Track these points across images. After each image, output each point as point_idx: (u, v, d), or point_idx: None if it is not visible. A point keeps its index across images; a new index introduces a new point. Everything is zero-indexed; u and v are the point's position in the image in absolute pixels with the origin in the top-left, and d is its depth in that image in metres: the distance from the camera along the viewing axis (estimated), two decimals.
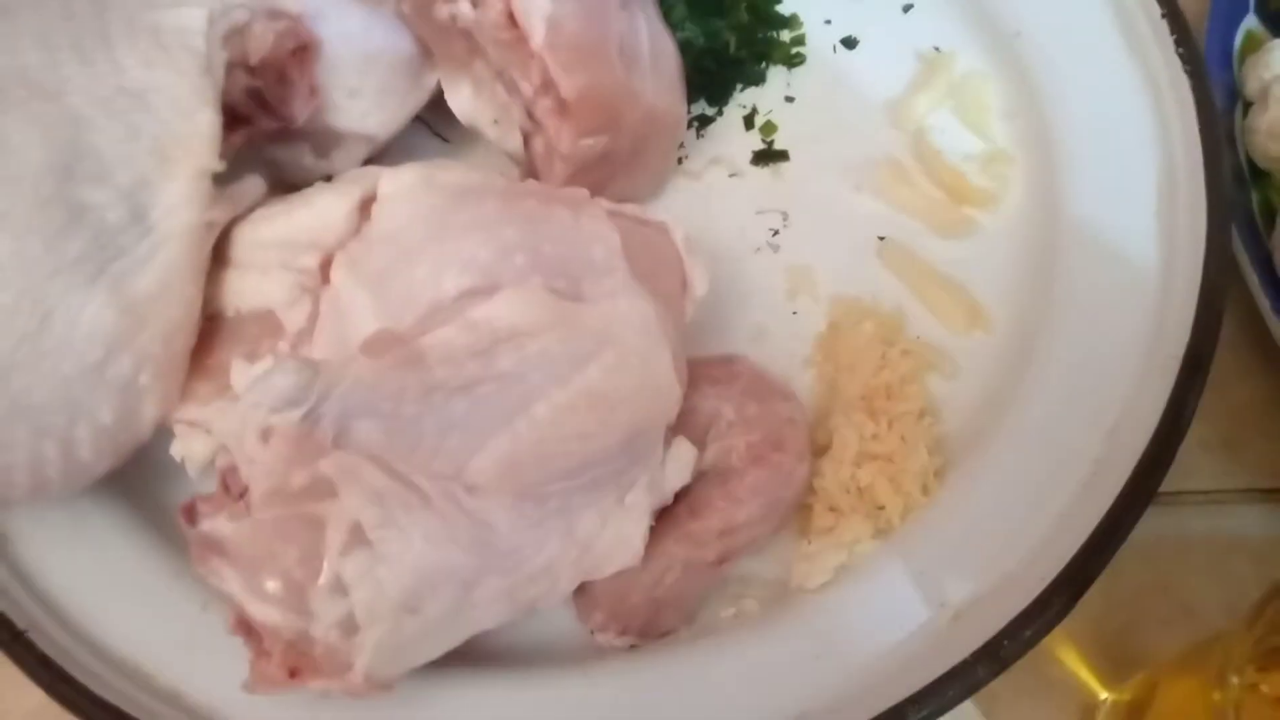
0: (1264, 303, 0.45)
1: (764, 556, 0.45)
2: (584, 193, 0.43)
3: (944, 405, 0.48)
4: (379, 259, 0.39)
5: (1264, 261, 0.46)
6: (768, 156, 0.55)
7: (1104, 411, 0.44)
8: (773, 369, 0.49)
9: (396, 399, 0.36)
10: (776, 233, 0.53)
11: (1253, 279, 0.46)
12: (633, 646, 0.43)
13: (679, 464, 0.42)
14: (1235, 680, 0.33)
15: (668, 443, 0.42)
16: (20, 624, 0.39)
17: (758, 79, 0.56)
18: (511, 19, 0.42)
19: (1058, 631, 0.43)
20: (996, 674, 0.39)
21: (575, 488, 0.39)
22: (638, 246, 0.43)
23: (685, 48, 0.53)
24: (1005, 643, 0.39)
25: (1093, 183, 0.50)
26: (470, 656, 0.42)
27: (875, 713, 0.38)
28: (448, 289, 0.38)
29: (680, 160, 0.54)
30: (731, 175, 0.54)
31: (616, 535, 0.41)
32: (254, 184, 0.42)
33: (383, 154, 0.50)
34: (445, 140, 0.53)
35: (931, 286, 0.51)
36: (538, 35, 0.41)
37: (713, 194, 0.54)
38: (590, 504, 0.40)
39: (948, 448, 0.47)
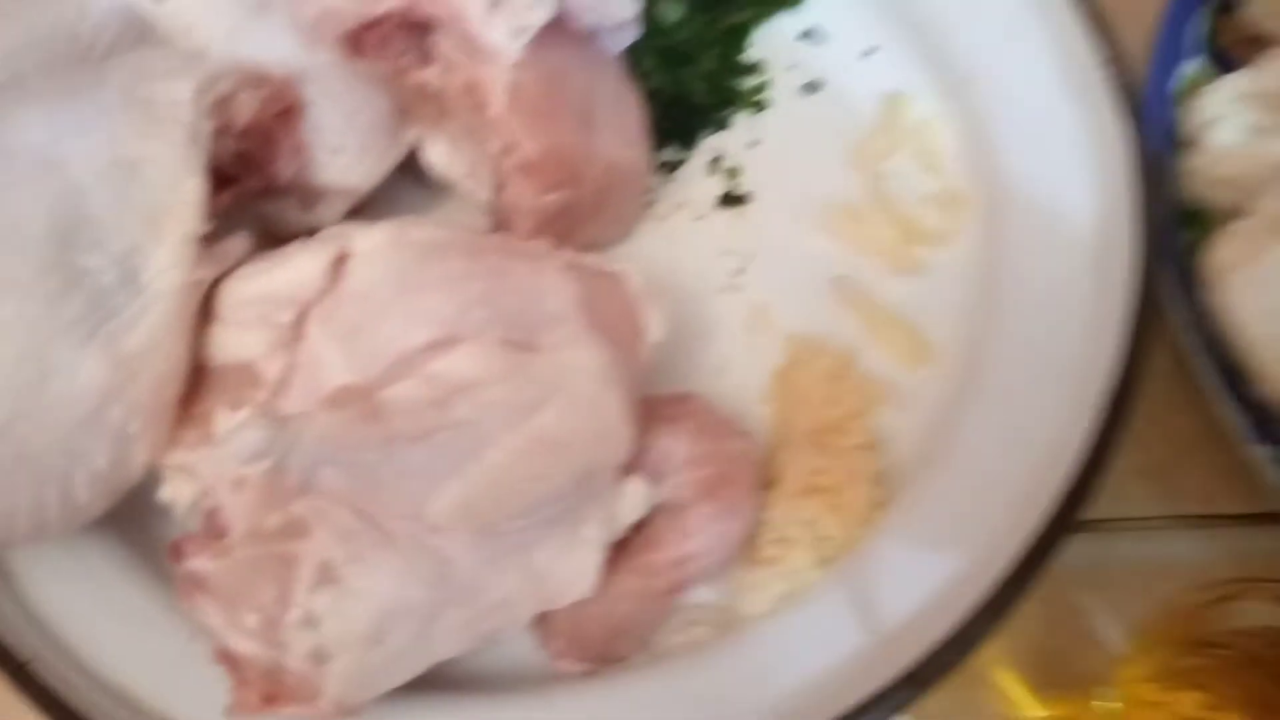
0: (1190, 347, 0.48)
1: (714, 585, 0.48)
2: (544, 246, 0.46)
3: (890, 438, 0.51)
4: (350, 314, 0.43)
5: (1193, 309, 0.48)
6: (731, 199, 0.58)
7: (1035, 445, 0.46)
8: (731, 403, 0.52)
9: (357, 449, 0.39)
10: (738, 273, 0.56)
11: (1180, 326, 0.49)
12: (590, 671, 0.46)
13: (632, 500, 0.45)
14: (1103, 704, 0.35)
15: (621, 480, 0.45)
16: (24, 655, 0.43)
17: (723, 124, 0.59)
18: (473, 87, 0.45)
19: (994, 653, 0.46)
20: (919, 695, 0.42)
21: (530, 525, 0.43)
22: (596, 295, 0.46)
23: (654, 96, 0.56)
24: (929, 666, 0.42)
25: (1035, 225, 0.52)
26: (435, 682, 0.45)
27: None
28: (412, 343, 0.42)
29: (649, 204, 0.57)
30: (697, 218, 0.57)
31: (572, 568, 0.44)
32: (239, 242, 0.45)
33: (367, 203, 0.53)
34: (426, 188, 0.56)
35: (883, 324, 0.54)
36: (498, 103, 0.45)
37: (678, 236, 0.57)
38: (546, 539, 0.44)
39: (891, 479, 0.50)
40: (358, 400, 0.40)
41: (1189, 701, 0.38)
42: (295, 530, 0.39)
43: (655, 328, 0.47)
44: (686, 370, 0.53)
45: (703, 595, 0.49)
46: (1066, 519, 0.44)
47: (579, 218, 0.50)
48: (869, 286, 0.55)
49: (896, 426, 0.52)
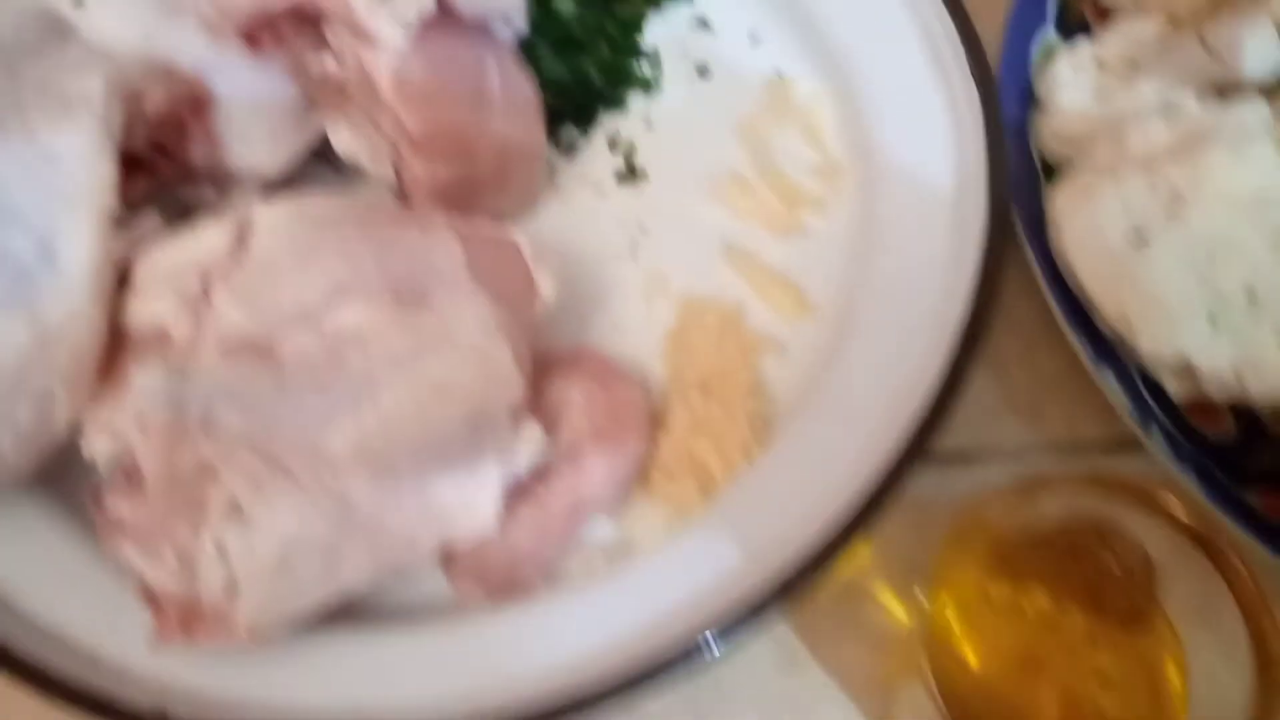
0: (1045, 287, 0.52)
1: (610, 521, 0.52)
2: (433, 213, 0.51)
3: (773, 385, 0.56)
4: (252, 280, 0.47)
5: (1046, 253, 0.53)
6: (629, 175, 0.62)
7: (897, 384, 0.51)
8: (627, 361, 0.56)
9: (255, 393, 0.43)
10: (635, 242, 0.60)
11: (1037, 270, 0.53)
12: (494, 600, 0.50)
13: (528, 443, 0.49)
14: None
15: (518, 424, 0.49)
16: None
17: (619, 105, 0.63)
18: (365, 74, 0.49)
19: (875, 571, 0.50)
20: (786, 605, 0.46)
21: (427, 464, 0.46)
22: (485, 258, 0.50)
23: (551, 83, 0.61)
24: (798, 577, 0.46)
25: (904, 189, 0.57)
26: (350, 613, 0.50)
27: (685, 640, 0.45)
28: (307, 303, 0.46)
29: (551, 180, 0.61)
30: (597, 194, 0.62)
31: (472, 506, 0.48)
32: (150, 220, 0.49)
33: (285, 186, 0.58)
34: (340, 171, 0.60)
35: (768, 283, 0.58)
36: (386, 87, 0.49)
37: (580, 210, 0.61)
38: (445, 479, 0.47)
39: (772, 420, 0.54)
40: (255, 350, 0.43)
41: (1003, 588, 0.42)
42: (203, 473, 0.43)
43: (547, 287, 0.51)
44: (585, 332, 0.57)
45: (600, 530, 0.52)
46: (919, 446, 0.48)
47: (478, 191, 0.55)
48: (756, 250, 0.59)
49: (778, 375, 0.56)
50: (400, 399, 0.44)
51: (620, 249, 0.60)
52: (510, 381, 0.47)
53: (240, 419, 0.43)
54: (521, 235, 0.52)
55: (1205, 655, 0.40)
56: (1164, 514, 0.38)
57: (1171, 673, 0.40)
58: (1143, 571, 0.40)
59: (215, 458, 0.43)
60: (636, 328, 0.58)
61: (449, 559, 0.50)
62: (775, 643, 0.52)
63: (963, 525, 0.41)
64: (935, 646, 0.44)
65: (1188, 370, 0.47)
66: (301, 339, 0.44)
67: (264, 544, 0.43)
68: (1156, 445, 0.47)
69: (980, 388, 0.57)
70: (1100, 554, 0.41)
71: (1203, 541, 0.37)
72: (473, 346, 0.46)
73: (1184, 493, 0.41)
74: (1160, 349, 0.46)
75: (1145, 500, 0.38)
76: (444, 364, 0.45)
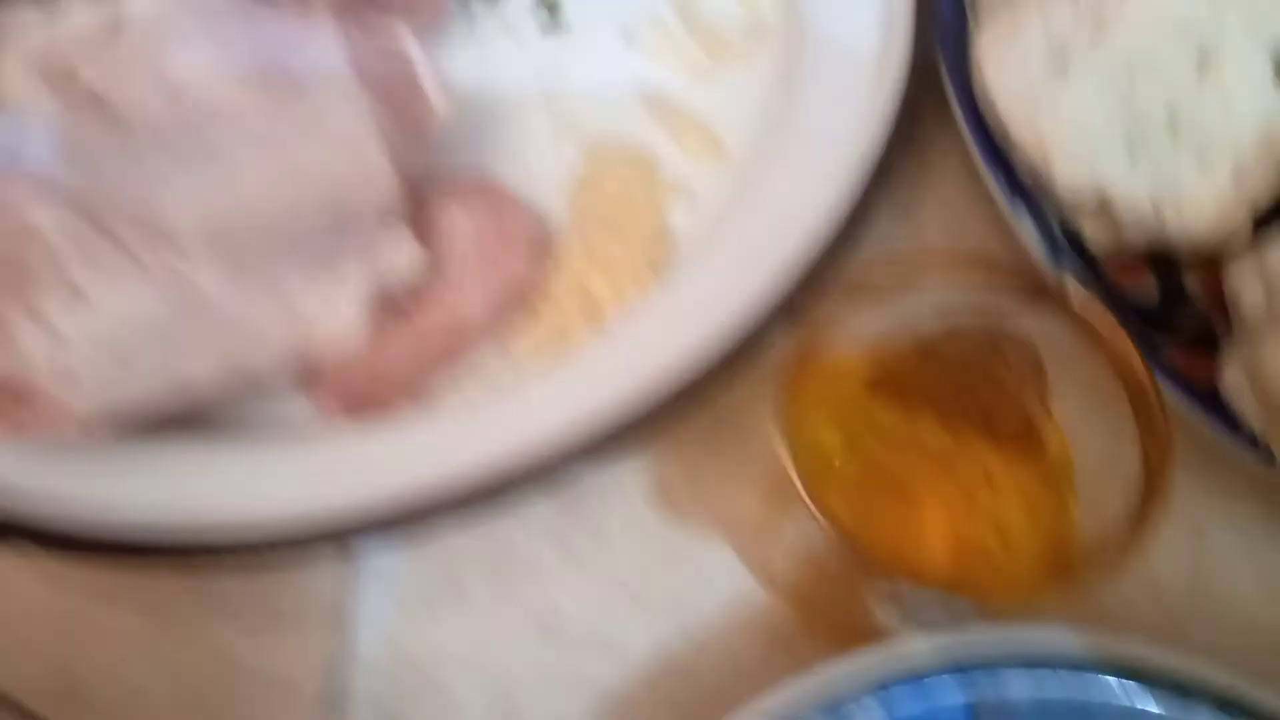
0: (964, 131, 0.50)
1: (493, 352, 0.49)
2: (325, 16, 0.48)
3: (680, 232, 0.53)
4: (122, 63, 0.44)
5: (970, 100, 0.50)
6: (551, 24, 0.59)
7: (802, 226, 0.48)
8: (534, 202, 0.53)
9: (94, 149, 0.40)
10: (551, 90, 0.58)
11: (958, 114, 0.50)
12: (358, 421, 0.47)
13: (403, 255, 0.47)
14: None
15: (392, 234, 0.47)
16: None
17: None
18: None
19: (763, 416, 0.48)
20: (665, 415, 0.43)
21: (285, 259, 0.43)
22: (374, 63, 0.48)
23: None
24: (677, 395, 0.43)
25: (827, 46, 0.54)
26: (209, 426, 0.47)
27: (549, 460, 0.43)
28: (172, 80, 0.43)
29: (471, 29, 0.59)
30: (516, 43, 0.59)
31: (334, 314, 0.45)
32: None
33: None
34: None
35: (684, 130, 0.55)
36: None
37: (498, 59, 0.58)
38: (305, 281, 0.45)
39: (672, 259, 0.51)
40: (101, 106, 0.40)
41: (892, 413, 0.39)
42: (30, 239, 0.40)
43: (439, 101, 0.48)
44: (491, 170, 0.54)
45: (479, 358, 0.49)
46: (821, 277, 0.45)
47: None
48: (674, 97, 0.56)
49: (687, 222, 0.53)
50: (256, 181, 0.42)
51: (535, 96, 0.57)
52: (383, 183, 0.45)
53: (76, 176, 0.39)
54: (416, 47, 0.49)
55: (1092, 454, 0.37)
56: (1050, 302, 0.35)
57: (1064, 488, 0.37)
58: (1036, 380, 0.37)
59: (46, 225, 0.39)
60: (544, 173, 0.55)
61: (311, 377, 0.47)
62: (653, 485, 0.49)
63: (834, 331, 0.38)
64: (816, 479, 0.40)
65: (1105, 209, 0.45)
66: (156, 105, 0.41)
67: (98, 325, 0.40)
68: (1072, 294, 0.44)
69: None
70: (993, 365, 0.38)
71: (1091, 331, 0.34)
72: (345, 140, 0.43)
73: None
74: (1077, 181, 0.44)
75: (1030, 287, 0.35)
76: (310, 152, 0.42)
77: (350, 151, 0.43)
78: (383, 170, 0.44)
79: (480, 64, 0.58)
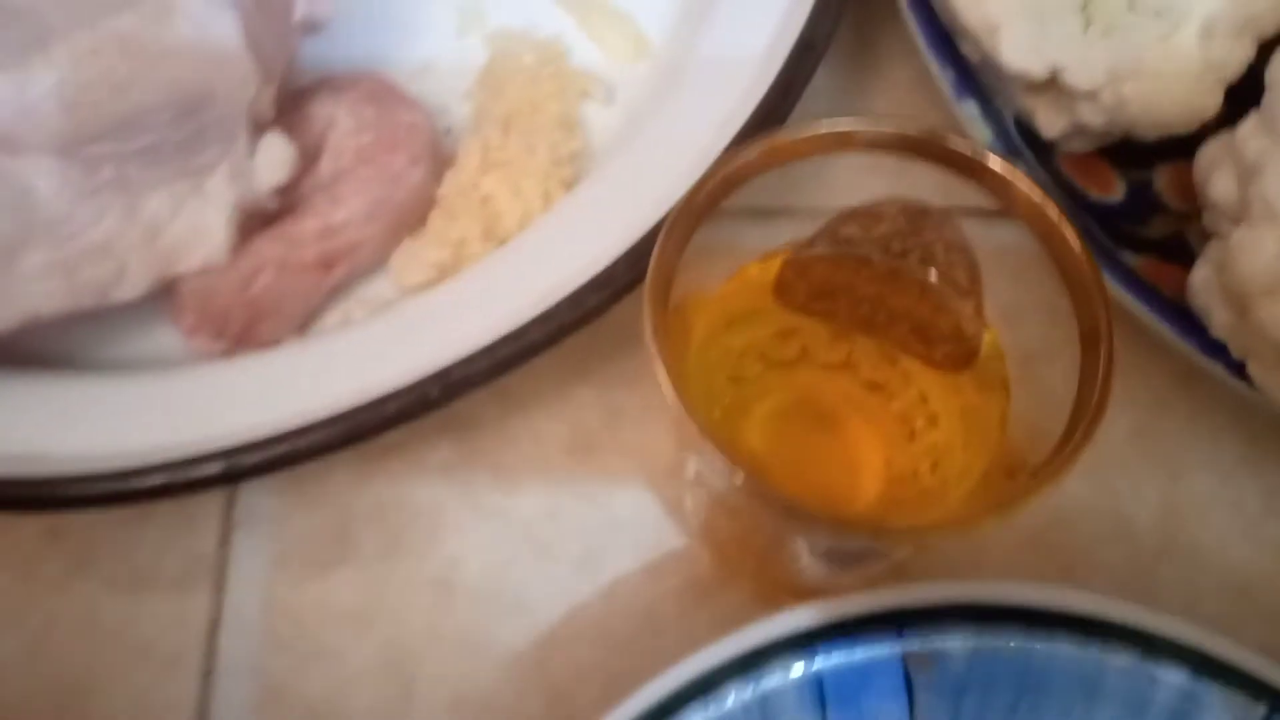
0: (908, 16, 0.43)
1: (382, 275, 0.43)
2: None
3: (594, 131, 0.47)
4: None
5: None
6: None
7: (728, 116, 0.42)
8: (431, 101, 0.47)
9: None
10: None
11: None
12: (229, 352, 0.41)
13: (271, 157, 0.41)
14: None
15: (259, 136, 0.41)
16: None
17: None
18: None
19: None
20: (553, 340, 0.37)
21: (130, 156, 0.38)
22: None
23: None
24: (565, 313, 0.37)
25: None
26: (71, 363, 0.42)
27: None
28: None
29: None
30: None
31: (193, 224, 0.40)
32: None
33: None
34: None
35: (600, 19, 0.49)
36: None
37: None
38: (157, 184, 0.39)
39: (585, 163, 0.45)
40: None
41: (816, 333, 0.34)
42: None
43: None
44: (386, 70, 0.48)
45: (369, 285, 0.44)
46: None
47: None
48: None
49: (603, 119, 0.47)
50: (79, 54, 0.35)
51: None
52: (239, 68, 0.39)
53: None
54: None
55: (1028, 359, 0.32)
56: (980, 185, 0.29)
57: (999, 398, 0.32)
58: (969, 281, 0.31)
59: None
60: (445, 67, 0.49)
61: (180, 308, 0.41)
62: (565, 424, 0.43)
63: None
64: (726, 410, 0.35)
65: (1058, 89, 0.39)
66: None
67: None
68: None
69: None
70: (923, 268, 0.32)
71: (1027, 217, 0.29)
72: (186, 14, 0.37)
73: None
74: (1028, 60, 0.38)
75: (962, 166, 0.29)
76: (140, 22, 0.36)
77: (196, 32, 0.37)
78: (240, 59, 0.38)
79: None
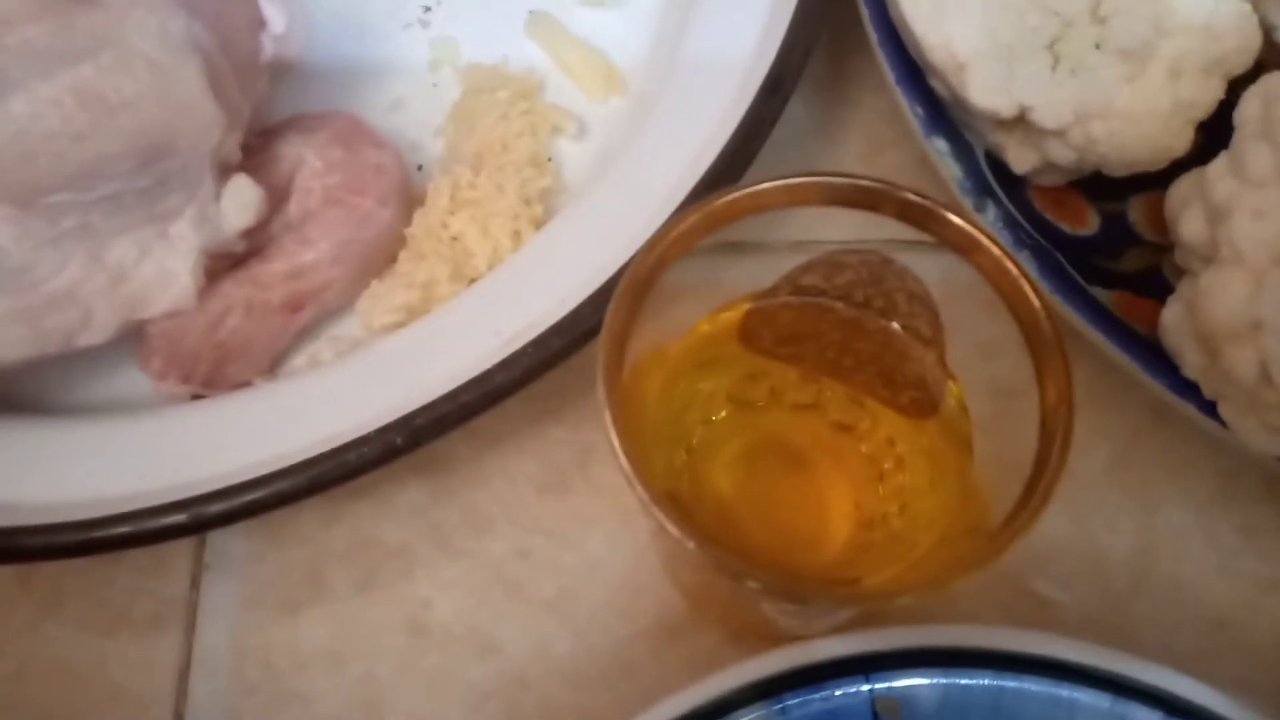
0: (876, 48, 0.43)
1: (351, 315, 0.43)
2: None
3: (569, 164, 0.47)
4: None
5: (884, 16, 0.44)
6: None
7: (696, 156, 0.42)
8: (403, 137, 0.47)
9: None
10: (428, 9, 0.51)
11: (870, 33, 0.44)
12: (198, 395, 0.41)
13: (238, 201, 0.41)
14: None
15: (225, 179, 0.40)
16: None
17: None
18: None
19: None
20: (519, 384, 0.37)
21: (92, 205, 0.37)
22: None
23: None
24: (530, 357, 0.37)
25: None
26: (40, 407, 0.42)
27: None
28: None
29: None
30: None
31: (159, 269, 0.39)
32: None
33: None
34: None
35: (573, 55, 0.49)
36: None
37: None
38: (121, 231, 0.39)
39: (559, 199, 0.45)
40: None
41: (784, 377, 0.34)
42: None
43: (277, 20, 0.42)
44: (361, 106, 0.48)
45: (338, 325, 0.43)
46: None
47: None
48: (563, 19, 0.50)
49: (577, 154, 0.47)
50: (38, 105, 0.35)
51: (409, 17, 0.51)
52: (202, 114, 0.38)
53: None
54: None
55: (989, 409, 0.31)
56: (942, 236, 0.29)
57: (962, 446, 0.32)
58: (931, 330, 0.31)
59: None
60: (419, 102, 0.49)
61: (148, 352, 0.41)
62: (537, 462, 0.43)
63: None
64: (694, 453, 0.35)
65: (1029, 131, 0.38)
66: None
67: None
68: (992, 226, 0.38)
69: None
70: (886, 317, 0.32)
71: (986, 266, 0.28)
72: (149, 60, 0.37)
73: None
74: (995, 99, 0.37)
75: (918, 219, 0.29)
76: (100, 71, 0.36)
77: (157, 76, 0.37)
78: (202, 102, 0.38)
79: None
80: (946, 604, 0.40)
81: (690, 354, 0.35)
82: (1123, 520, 0.42)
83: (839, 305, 0.33)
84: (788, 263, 0.34)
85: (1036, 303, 0.27)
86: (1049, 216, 0.43)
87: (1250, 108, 0.33)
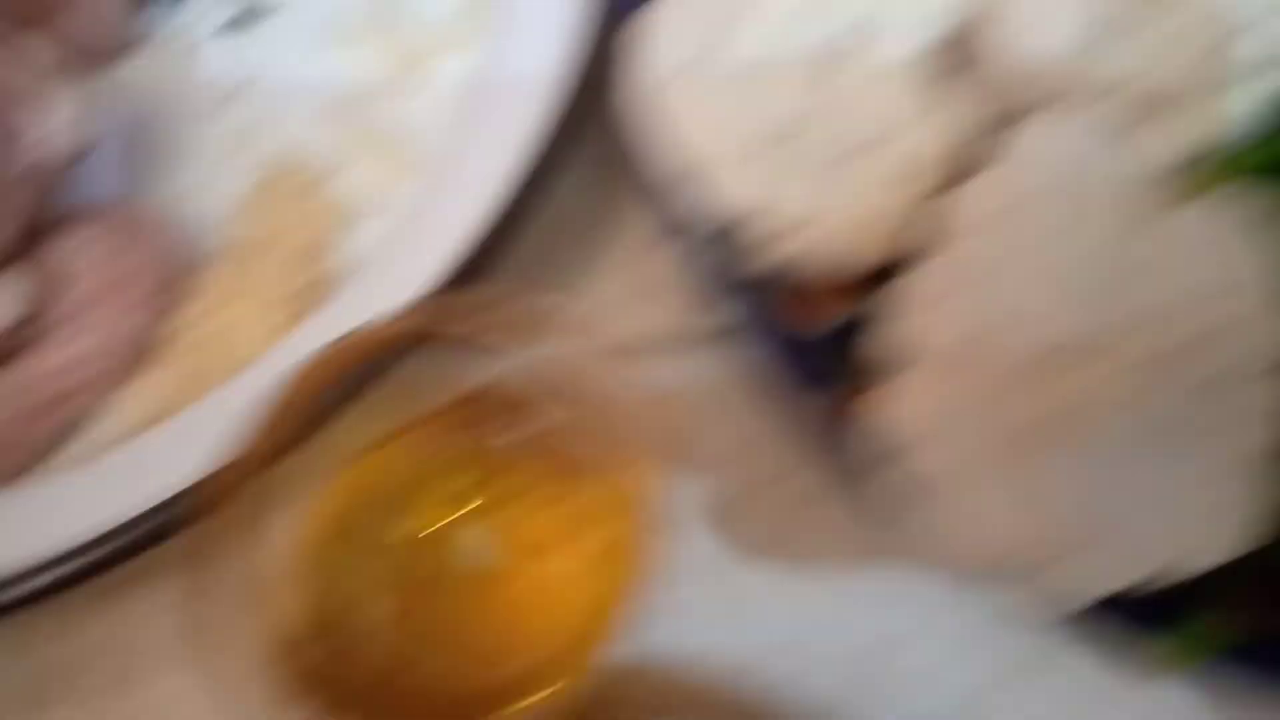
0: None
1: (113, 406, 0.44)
2: None
3: (360, 248, 0.48)
4: None
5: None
6: (239, 22, 0.54)
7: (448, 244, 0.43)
8: (194, 226, 0.48)
9: None
10: (228, 98, 0.52)
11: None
12: None
13: (3, 297, 0.41)
14: None
15: None
16: None
17: None
18: None
19: None
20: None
21: None
22: None
23: None
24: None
25: (517, 42, 0.49)
26: None
27: None
28: None
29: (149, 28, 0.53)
30: (197, 44, 0.54)
31: None
32: None
33: None
34: None
35: (372, 143, 0.50)
36: None
37: (168, 65, 0.54)
38: None
39: (332, 289, 0.46)
40: None
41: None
42: None
43: (34, 123, 0.43)
44: (151, 194, 0.49)
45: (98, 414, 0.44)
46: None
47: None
48: (368, 104, 0.51)
49: (361, 239, 0.48)
50: None
51: (206, 107, 0.52)
52: None
53: None
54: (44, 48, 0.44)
55: None
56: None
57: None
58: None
59: None
60: (210, 192, 0.50)
61: None
62: None
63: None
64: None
65: (761, 234, 0.40)
66: None
67: None
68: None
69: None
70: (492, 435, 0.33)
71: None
72: None
73: None
74: (727, 201, 0.39)
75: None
76: None
77: None
78: None
79: (151, 69, 0.54)
80: None
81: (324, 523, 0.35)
82: None
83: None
84: None
85: None
86: (794, 317, 0.44)
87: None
